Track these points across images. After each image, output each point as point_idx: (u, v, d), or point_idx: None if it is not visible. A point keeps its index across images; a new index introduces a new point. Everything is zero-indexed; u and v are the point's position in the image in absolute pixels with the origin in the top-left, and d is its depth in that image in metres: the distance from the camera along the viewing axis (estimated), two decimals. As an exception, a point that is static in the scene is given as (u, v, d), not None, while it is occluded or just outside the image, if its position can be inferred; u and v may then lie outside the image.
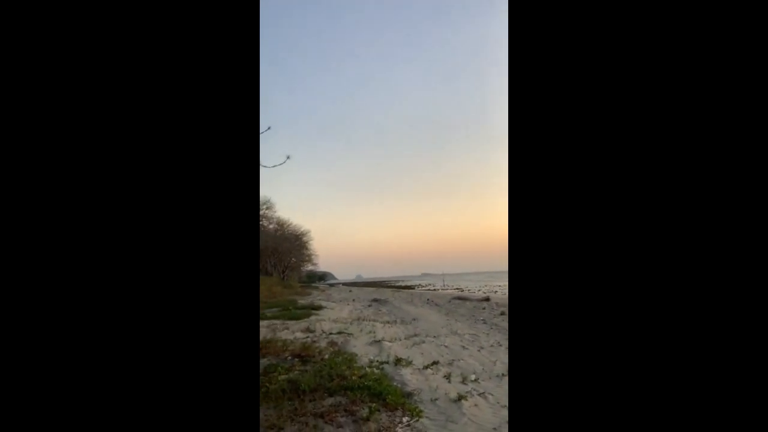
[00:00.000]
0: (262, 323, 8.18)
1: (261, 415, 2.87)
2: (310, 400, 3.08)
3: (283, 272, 35.11)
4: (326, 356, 4.62)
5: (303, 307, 11.82)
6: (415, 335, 6.71)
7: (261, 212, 27.27)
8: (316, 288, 35.51)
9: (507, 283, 1.18)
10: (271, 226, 30.63)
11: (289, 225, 33.59)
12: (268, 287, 20.97)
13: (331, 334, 6.52)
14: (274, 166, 8.22)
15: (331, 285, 51.15)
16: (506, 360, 4.63)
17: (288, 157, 8.18)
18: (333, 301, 16.35)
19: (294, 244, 34.90)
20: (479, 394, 3.48)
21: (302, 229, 35.71)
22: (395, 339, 6.26)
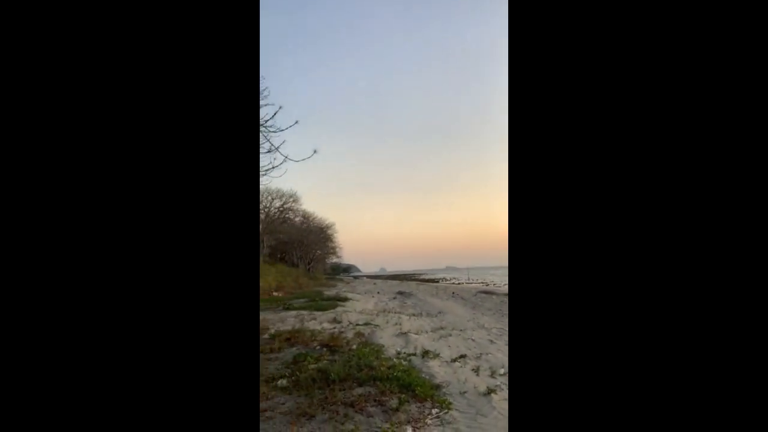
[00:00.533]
0: (291, 313, 8.35)
1: (292, 402, 2.93)
2: (340, 390, 3.12)
3: (309, 264, 35.63)
4: (354, 347, 4.67)
5: (329, 299, 11.99)
6: (441, 328, 6.69)
7: (287, 205, 27.68)
8: (341, 280, 35.92)
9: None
10: (297, 219, 31.09)
11: (314, 218, 34.01)
12: (294, 278, 21.36)
13: (357, 325, 6.58)
14: (301, 160, 8.26)
15: (355, 277, 51.59)
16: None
17: (315, 151, 8.21)
18: (358, 293, 16.49)
19: (319, 236, 35.32)
20: (509, 389, 3.44)
21: (327, 222, 36.11)
22: (421, 331, 6.27)
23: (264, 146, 7.64)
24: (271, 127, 7.40)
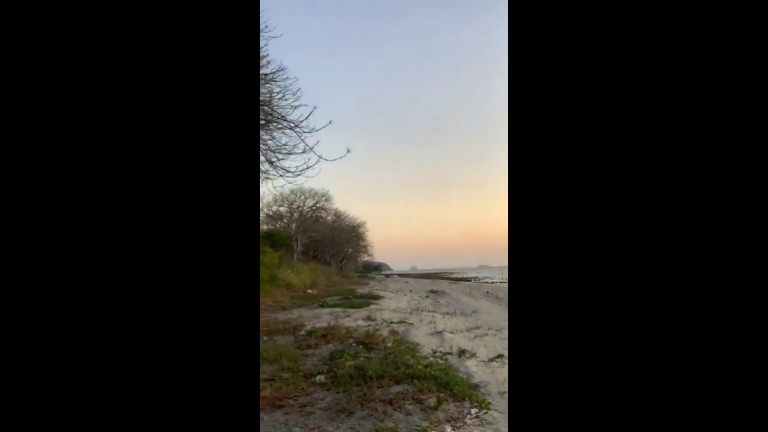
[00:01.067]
0: (325, 310, 8.47)
1: (331, 398, 2.97)
2: (378, 387, 3.14)
3: (341, 262, 36.04)
4: (389, 345, 4.67)
5: (362, 297, 12.08)
6: (477, 327, 6.59)
7: (319, 204, 28.08)
8: (372, 278, 36.11)
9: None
10: (329, 218, 31.49)
11: (345, 216, 34.34)
12: (327, 276, 21.67)
13: (391, 323, 6.59)
14: (334, 160, 8.34)
15: (387, 276, 51.71)
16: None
17: (348, 150, 8.27)
18: (390, 291, 16.53)
19: (350, 235, 35.63)
20: (550, 390, 3.35)
21: (358, 221, 36.37)
22: (456, 331, 6.20)
23: (299, 147, 7.74)
24: (305, 127, 7.50)
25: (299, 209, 26.25)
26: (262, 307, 8.96)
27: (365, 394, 2.98)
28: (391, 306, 9.77)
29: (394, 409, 2.74)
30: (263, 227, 23.28)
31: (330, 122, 7.45)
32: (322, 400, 2.95)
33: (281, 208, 25.71)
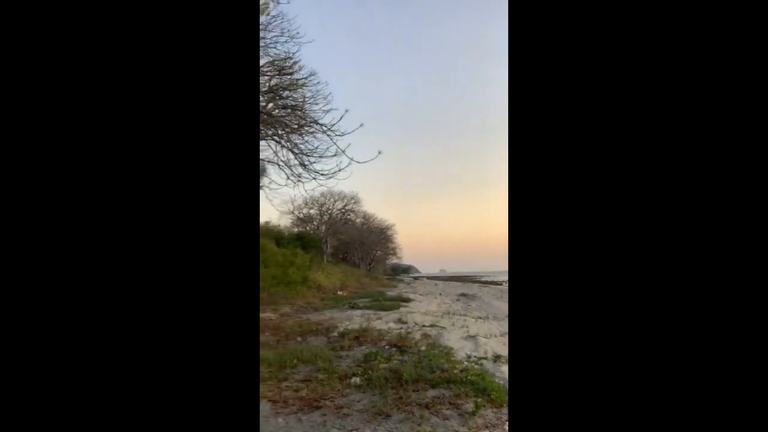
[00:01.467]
0: (356, 312, 8.51)
1: (367, 400, 2.97)
2: (414, 390, 3.11)
3: (370, 264, 36.18)
4: (422, 348, 4.64)
5: (392, 299, 12.07)
6: (511, 332, 6.44)
7: (348, 207, 28.31)
8: (401, 281, 36.05)
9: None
10: (358, 220, 31.70)
11: (374, 219, 34.46)
12: (356, 278, 21.81)
13: (423, 326, 6.55)
14: (365, 162, 8.38)
15: (415, 278, 51.51)
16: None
17: (379, 152, 8.29)
18: (420, 294, 16.44)
19: (379, 237, 35.74)
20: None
21: (387, 223, 36.43)
22: (490, 335, 6.08)
23: (330, 150, 7.83)
24: (337, 130, 7.59)
25: (329, 212, 26.57)
26: (294, 307, 9.11)
27: (401, 398, 2.96)
28: (422, 309, 9.71)
29: (431, 414, 2.71)
30: (294, 230, 23.70)
31: (361, 125, 7.52)
32: (358, 402, 2.96)
33: (311, 211, 26.13)
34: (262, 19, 6.08)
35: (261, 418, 2.62)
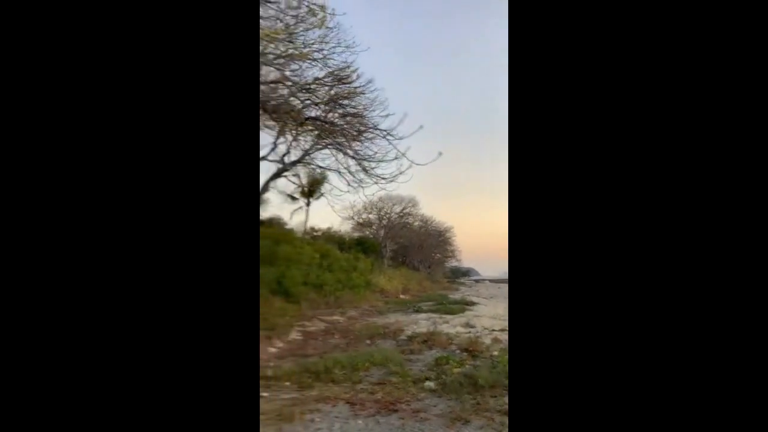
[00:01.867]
0: (421, 315, 8.47)
1: (444, 405, 2.93)
2: (491, 396, 3.02)
3: (429, 267, 35.90)
4: (495, 353, 4.50)
5: (456, 302, 11.88)
6: (588, 337, 6.06)
7: (407, 210, 28.37)
8: (462, 284, 35.39)
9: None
10: (416, 224, 31.62)
11: (432, 221, 34.18)
12: (418, 282, 21.76)
13: (493, 330, 6.35)
14: (425, 164, 8.34)
15: (477, 281, 50.28)
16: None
17: (440, 153, 8.21)
18: (483, 297, 16.01)
19: (437, 240, 35.35)
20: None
21: (445, 226, 35.94)
22: (565, 340, 5.75)
23: (390, 154, 7.90)
24: (396, 135, 7.63)
25: (387, 216, 26.80)
26: (360, 311, 9.26)
27: (479, 403, 2.89)
28: (489, 313, 9.44)
29: (513, 421, 2.61)
30: (354, 234, 24.18)
31: (421, 127, 7.52)
32: (434, 406, 2.92)
33: (370, 216, 26.50)
34: (319, 32, 6.28)
35: (340, 420, 2.68)
